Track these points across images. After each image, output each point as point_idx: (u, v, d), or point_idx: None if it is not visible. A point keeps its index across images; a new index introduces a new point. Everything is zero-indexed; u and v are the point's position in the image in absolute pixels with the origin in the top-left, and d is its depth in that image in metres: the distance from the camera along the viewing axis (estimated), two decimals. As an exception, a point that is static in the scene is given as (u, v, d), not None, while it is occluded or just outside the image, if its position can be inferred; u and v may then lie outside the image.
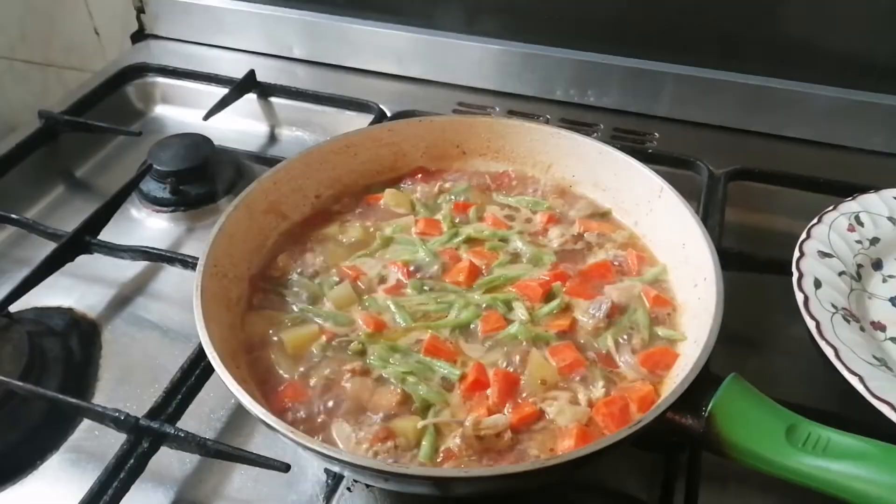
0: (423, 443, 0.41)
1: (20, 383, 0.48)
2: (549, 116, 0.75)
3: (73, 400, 0.48)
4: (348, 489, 0.46)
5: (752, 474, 0.40)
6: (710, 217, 0.61)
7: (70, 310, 0.58)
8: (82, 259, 0.59)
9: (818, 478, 0.37)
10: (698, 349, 0.41)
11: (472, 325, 0.48)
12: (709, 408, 0.39)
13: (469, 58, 0.78)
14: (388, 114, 0.73)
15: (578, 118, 0.74)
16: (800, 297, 0.50)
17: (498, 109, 0.76)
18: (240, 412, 0.51)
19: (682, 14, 0.71)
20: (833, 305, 0.50)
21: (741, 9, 0.69)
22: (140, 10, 0.86)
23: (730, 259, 0.52)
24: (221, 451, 0.45)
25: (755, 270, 0.57)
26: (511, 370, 0.45)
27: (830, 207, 0.57)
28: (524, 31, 0.76)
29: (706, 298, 0.45)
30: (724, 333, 0.42)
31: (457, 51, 0.78)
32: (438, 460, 0.41)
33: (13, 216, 0.61)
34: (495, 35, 0.77)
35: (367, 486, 0.45)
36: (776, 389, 0.43)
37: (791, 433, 0.39)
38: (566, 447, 0.40)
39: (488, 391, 0.44)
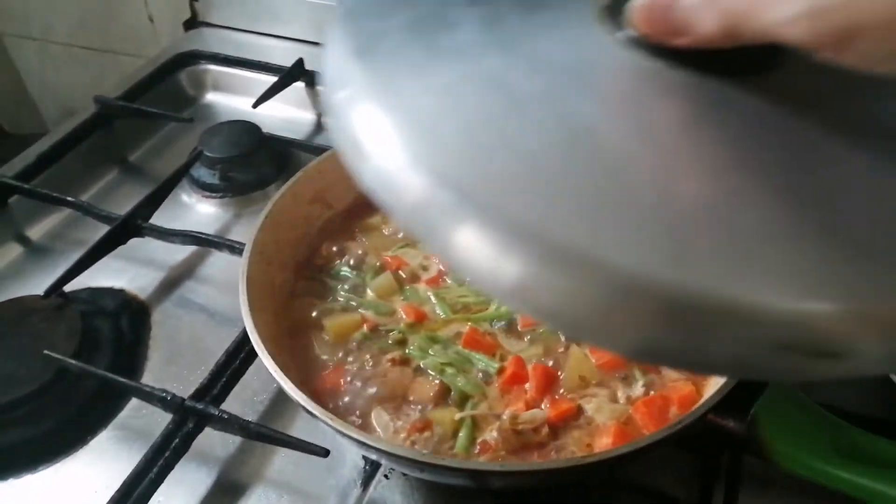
0: (460, 434, 0.41)
1: (73, 361, 0.50)
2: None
3: (123, 379, 0.49)
4: (385, 476, 0.46)
5: (794, 477, 0.39)
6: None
7: (122, 291, 0.59)
8: (134, 242, 0.61)
9: (863, 487, 0.36)
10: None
11: (512, 319, 0.48)
12: (752, 411, 0.38)
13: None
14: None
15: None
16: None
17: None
18: (282, 396, 0.51)
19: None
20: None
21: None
22: (193, -2, 0.88)
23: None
24: (263, 434, 0.46)
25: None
26: (550, 365, 0.45)
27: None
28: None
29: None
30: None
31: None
32: (475, 452, 0.41)
33: (69, 199, 0.63)
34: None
35: (404, 474, 0.46)
36: (822, 394, 0.42)
37: (837, 440, 0.38)
38: (604, 445, 0.40)
39: (526, 385, 0.44)
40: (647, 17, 0.24)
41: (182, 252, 0.62)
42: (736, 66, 0.25)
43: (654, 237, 0.21)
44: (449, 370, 0.45)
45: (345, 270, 0.52)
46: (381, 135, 0.24)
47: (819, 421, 0.39)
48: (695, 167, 0.23)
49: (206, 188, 0.68)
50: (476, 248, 0.22)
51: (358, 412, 0.44)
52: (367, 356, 0.47)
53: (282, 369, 0.40)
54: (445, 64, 0.26)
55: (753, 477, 0.44)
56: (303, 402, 0.39)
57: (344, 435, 0.38)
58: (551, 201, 0.22)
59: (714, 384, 0.42)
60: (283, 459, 0.48)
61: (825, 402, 0.40)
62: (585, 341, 0.29)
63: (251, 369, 0.51)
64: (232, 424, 0.46)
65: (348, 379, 0.45)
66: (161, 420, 0.48)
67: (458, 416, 0.42)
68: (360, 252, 0.53)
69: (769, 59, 0.25)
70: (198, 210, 0.67)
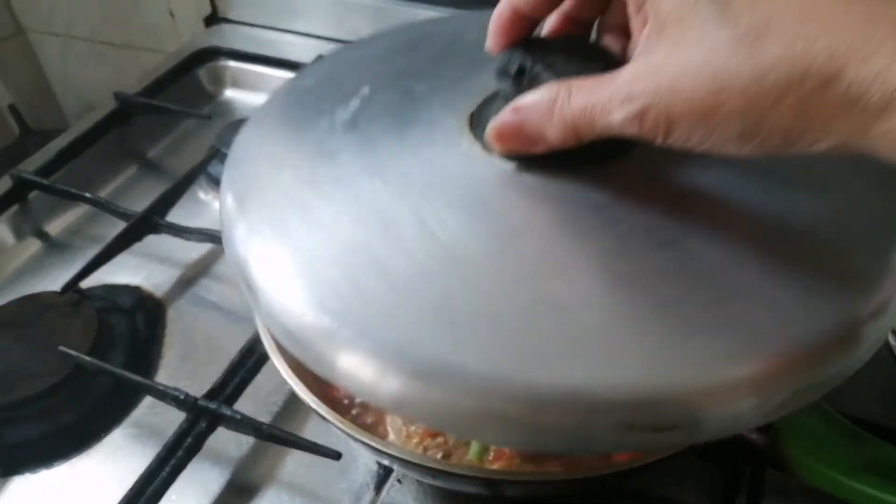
0: (473, 441, 0.40)
1: (88, 358, 0.50)
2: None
3: (137, 377, 0.49)
4: (398, 481, 0.46)
5: (818, 491, 0.38)
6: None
7: (138, 288, 0.59)
8: (150, 239, 0.61)
9: (889, 503, 0.35)
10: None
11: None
12: (778, 424, 0.37)
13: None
14: (454, 102, 0.73)
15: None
16: (879, 308, 0.47)
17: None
18: (295, 397, 0.50)
19: None
20: (916, 318, 0.47)
21: None
22: (214, -7, 0.88)
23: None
24: (275, 436, 0.46)
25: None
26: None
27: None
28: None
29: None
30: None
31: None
32: (489, 459, 0.40)
33: (87, 195, 0.63)
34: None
35: (418, 479, 0.45)
36: (848, 406, 0.40)
37: (863, 455, 0.37)
38: (622, 454, 0.39)
39: (543, 391, 0.43)
40: (501, 137, 0.28)
41: (198, 249, 0.62)
42: (593, 154, 0.27)
43: (506, 342, 0.24)
44: (464, 374, 0.44)
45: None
46: (270, 273, 0.28)
47: (845, 434, 0.38)
48: (543, 267, 0.26)
49: (223, 185, 0.67)
50: (356, 370, 0.25)
51: (372, 415, 0.43)
52: (382, 358, 0.46)
53: (294, 371, 0.39)
54: (325, 196, 0.29)
55: (776, 490, 0.43)
56: (314, 406, 0.38)
57: (356, 440, 0.37)
58: (416, 321, 0.25)
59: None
60: (295, 461, 0.47)
61: (853, 415, 0.39)
62: (465, 439, 0.32)
63: (265, 369, 0.50)
64: (244, 425, 0.46)
65: (362, 381, 0.45)
66: (175, 418, 0.47)
67: (472, 421, 0.41)
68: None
69: (621, 145, 0.28)
70: (214, 207, 0.67)
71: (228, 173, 0.33)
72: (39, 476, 0.48)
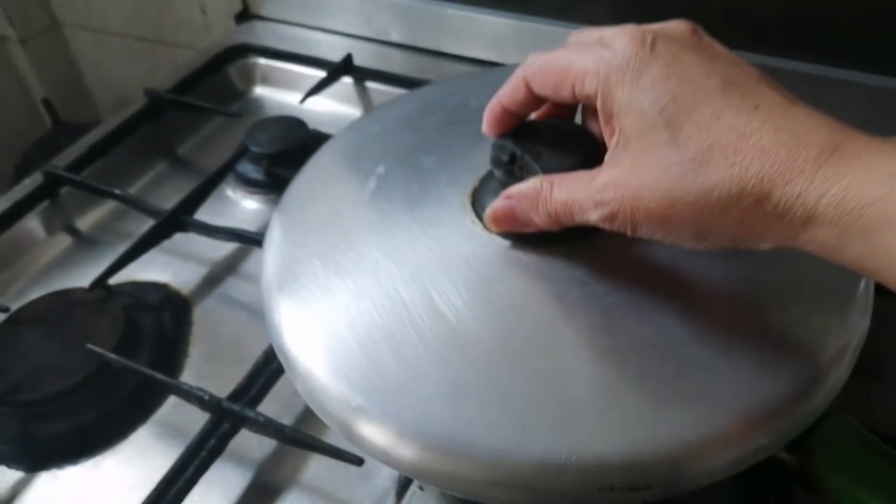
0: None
1: (115, 356, 0.50)
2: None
3: (162, 377, 0.49)
4: (420, 488, 0.45)
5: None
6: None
7: (165, 286, 0.60)
8: (178, 236, 0.61)
9: (928, 532, 0.34)
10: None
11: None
12: (809, 444, 0.36)
13: (570, 47, 0.75)
14: (484, 103, 0.72)
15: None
16: (918, 325, 0.46)
17: (597, 102, 0.73)
18: (319, 400, 0.50)
19: (805, 5, 0.66)
20: (957, 336, 0.46)
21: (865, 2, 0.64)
22: (245, -10, 0.88)
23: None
24: (298, 440, 0.46)
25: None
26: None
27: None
28: (628, 19, 0.72)
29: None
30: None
31: (557, 38, 0.74)
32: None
33: (116, 191, 0.64)
34: (598, 22, 0.74)
35: (440, 487, 0.45)
36: (885, 425, 0.39)
37: (898, 478, 0.36)
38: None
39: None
40: (496, 221, 0.33)
41: (225, 248, 0.62)
42: (577, 232, 0.31)
43: (506, 418, 0.28)
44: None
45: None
46: (304, 351, 0.33)
47: (880, 457, 0.37)
48: (537, 345, 0.31)
49: (251, 184, 0.68)
50: (374, 439, 0.29)
51: (394, 422, 0.43)
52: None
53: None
54: (349, 281, 0.34)
55: (805, 509, 0.42)
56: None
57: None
58: (428, 400, 0.29)
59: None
60: (318, 465, 0.47)
61: (890, 434, 0.38)
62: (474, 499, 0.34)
63: (289, 371, 0.50)
64: (268, 428, 0.46)
65: (385, 387, 0.45)
66: (199, 418, 0.47)
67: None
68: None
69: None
70: (242, 206, 0.67)
71: (268, 258, 0.37)
72: (65, 472, 0.48)
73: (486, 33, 0.78)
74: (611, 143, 0.29)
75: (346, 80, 0.78)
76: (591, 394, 0.29)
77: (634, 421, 0.28)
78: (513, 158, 0.32)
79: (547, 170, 0.31)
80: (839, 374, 0.31)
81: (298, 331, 0.34)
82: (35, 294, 0.57)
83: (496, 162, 0.33)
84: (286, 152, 0.67)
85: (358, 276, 0.34)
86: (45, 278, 0.62)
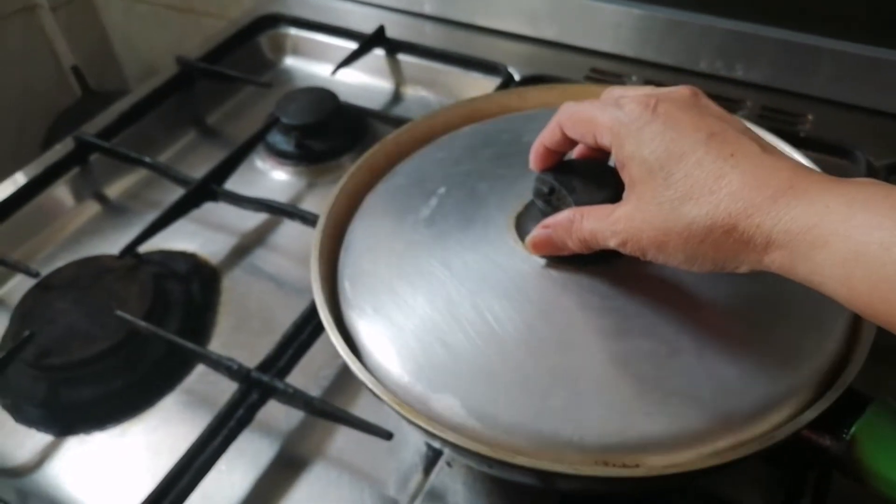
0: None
1: (144, 323, 0.50)
2: (689, 90, 0.70)
3: (191, 345, 0.49)
4: (448, 464, 0.45)
5: (883, 500, 0.36)
6: (865, 213, 0.55)
7: (193, 255, 0.59)
8: (207, 206, 0.61)
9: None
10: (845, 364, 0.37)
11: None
12: (852, 431, 0.35)
13: (607, 21, 0.73)
14: (517, 77, 0.71)
15: (724, 93, 0.69)
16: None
17: (635, 79, 0.72)
18: (347, 372, 0.50)
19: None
20: None
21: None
22: (277, -41, 0.87)
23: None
24: (326, 412, 0.45)
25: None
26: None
27: None
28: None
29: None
30: (873, 348, 0.38)
31: (595, 13, 0.74)
32: (545, 450, 0.40)
33: (146, 159, 0.63)
34: (635, -2, 0.72)
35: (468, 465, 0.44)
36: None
37: (946, 469, 0.35)
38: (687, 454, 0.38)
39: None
40: (536, 246, 0.38)
41: (254, 219, 0.62)
42: (602, 255, 0.37)
43: (526, 400, 0.35)
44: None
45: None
46: (370, 341, 0.39)
47: (926, 446, 0.36)
48: (559, 344, 0.36)
49: (281, 155, 0.67)
50: (424, 411, 0.36)
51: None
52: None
53: (351, 348, 0.39)
54: (409, 283, 0.40)
55: (841, 497, 0.41)
56: (369, 384, 0.37)
57: (409, 421, 0.37)
58: (467, 383, 0.36)
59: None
60: (345, 438, 0.47)
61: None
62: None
63: (318, 343, 0.50)
64: (296, 399, 0.46)
65: (416, 362, 0.45)
66: (227, 387, 0.47)
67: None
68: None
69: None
70: (272, 177, 0.67)
71: (344, 260, 0.43)
72: (92, 438, 0.49)
73: (521, 6, 0.77)
74: (625, 184, 0.35)
75: (378, 53, 0.77)
76: (597, 386, 0.35)
77: (631, 412, 0.34)
78: (552, 190, 0.38)
79: (579, 202, 0.37)
80: (812, 387, 0.36)
81: (367, 324, 0.39)
82: (64, 260, 0.57)
83: (537, 193, 0.39)
84: (317, 124, 0.67)
85: (416, 280, 0.40)
86: (74, 245, 0.62)
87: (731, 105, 0.67)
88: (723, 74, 0.71)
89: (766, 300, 0.38)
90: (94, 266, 0.56)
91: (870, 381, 0.38)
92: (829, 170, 0.48)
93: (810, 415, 0.35)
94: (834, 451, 0.36)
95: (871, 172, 0.58)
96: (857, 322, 0.40)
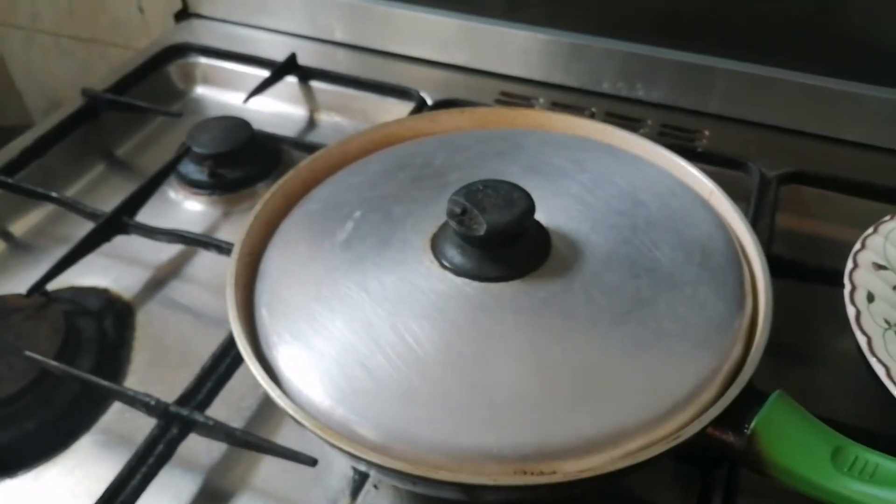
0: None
1: (55, 363, 0.48)
2: (594, 110, 0.73)
3: (106, 383, 0.48)
4: (375, 487, 0.45)
5: (792, 493, 0.38)
6: (760, 221, 0.58)
7: (106, 290, 0.58)
8: (119, 239, 0.59)
9: (863, 504, 0.36)
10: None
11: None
12: (752, 425, 0.38)
13: (515, 46, 0.76)
14: (429, 102, 0.72)
15: (626, 113, 0.72)
16: (851, 311, 0.48)
17: (542, 101, 0.75)
18: (269, 402, 0.50)
19: (737, 6, 0.68)
20: (886, 321, 0.48)
21: (800, 2, 0.66)
22: (184, -11, 0.86)
23: (779, 267, 0.50)
24: (249, 442, 0.45)
25: (805, 280, 0.54)
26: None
27: (887, 217, 0.54)
28: (572, 20, 0.74)
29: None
30: (770, 346, 0.41)
31: (503, 38, 0.76)
32: (468, 464, 0.40)
33: (53, 194, 0.62)
34: (542, 23, 0.75)
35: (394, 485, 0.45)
36: (822, 406, 0.41)
37: (837, 456, 0.37)
38: (599, 458, 0.39)
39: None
40: None
41: (168, 251, 0.61)
42: (512, 275, 0.41)
43: (447, 417, 0.36)
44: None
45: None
46: (289, 366, 0.40)
47: (819, 436, 0.38)
48: (475, 361, 0.38)
49: (194, 185, 0.66)
50: (360, 434, 0.37)
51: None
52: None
53: (270, 376, 0.39)
54: (327, 308, 0.41)
55: (751, 491, 0.43)
56: (290, 411, 0.37)
57: (332, 445, 0.37)
58: (387, 404, 0.37)
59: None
60: (269, 467, 0.47)
61: (825, 415, 0.39)
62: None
63: (238, 373, 0.50)
64: (217, 431, 0.45)
65: (338, 386, 0.45)
66: (145, 424, 0.46)
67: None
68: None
69: (536, 262, 0.41)
70: (185, 207, 0.66)
71: (260, 288, 0.44)
72: (3, 485, 0.47)
73: (432, 33, 0.79)
74: None
75: (291, 80, 0.77)
76: (513, 399, 0.36)
77: (545, 421, 0.36)
78: (464, 211, 0.40)
79: (490, 221, 0.39)
80: (716, 387, 0.39)
81: (285, 350, 0.40)
82: (-33, 302, 0.55)
83: (451, 213, 0.40)
84: (230, 152, 0.66)
85: (334, 304, 0.41)
86: (-23, 285, 0.59)
87: (632, 124, 0.71)
88: (624, 95, 0.74)
89: (668, 308, 0.40)
90: (0, 306, 0.54)
91: (772, 378, 0.41)
92: (726, 181, 0.52)
93: (713, 412, 0.37)
94: (737, 446, 0.38)
95: (764, 183, 0.62)
96: (753, 324, 0.42)
